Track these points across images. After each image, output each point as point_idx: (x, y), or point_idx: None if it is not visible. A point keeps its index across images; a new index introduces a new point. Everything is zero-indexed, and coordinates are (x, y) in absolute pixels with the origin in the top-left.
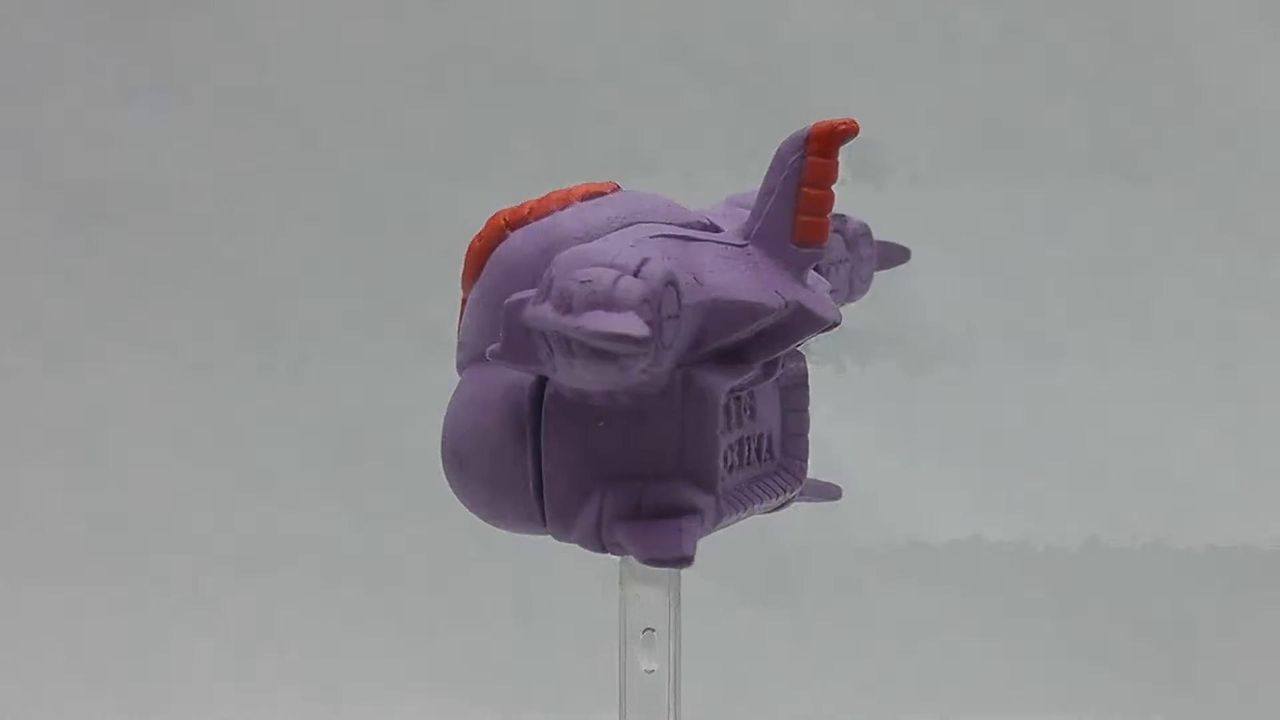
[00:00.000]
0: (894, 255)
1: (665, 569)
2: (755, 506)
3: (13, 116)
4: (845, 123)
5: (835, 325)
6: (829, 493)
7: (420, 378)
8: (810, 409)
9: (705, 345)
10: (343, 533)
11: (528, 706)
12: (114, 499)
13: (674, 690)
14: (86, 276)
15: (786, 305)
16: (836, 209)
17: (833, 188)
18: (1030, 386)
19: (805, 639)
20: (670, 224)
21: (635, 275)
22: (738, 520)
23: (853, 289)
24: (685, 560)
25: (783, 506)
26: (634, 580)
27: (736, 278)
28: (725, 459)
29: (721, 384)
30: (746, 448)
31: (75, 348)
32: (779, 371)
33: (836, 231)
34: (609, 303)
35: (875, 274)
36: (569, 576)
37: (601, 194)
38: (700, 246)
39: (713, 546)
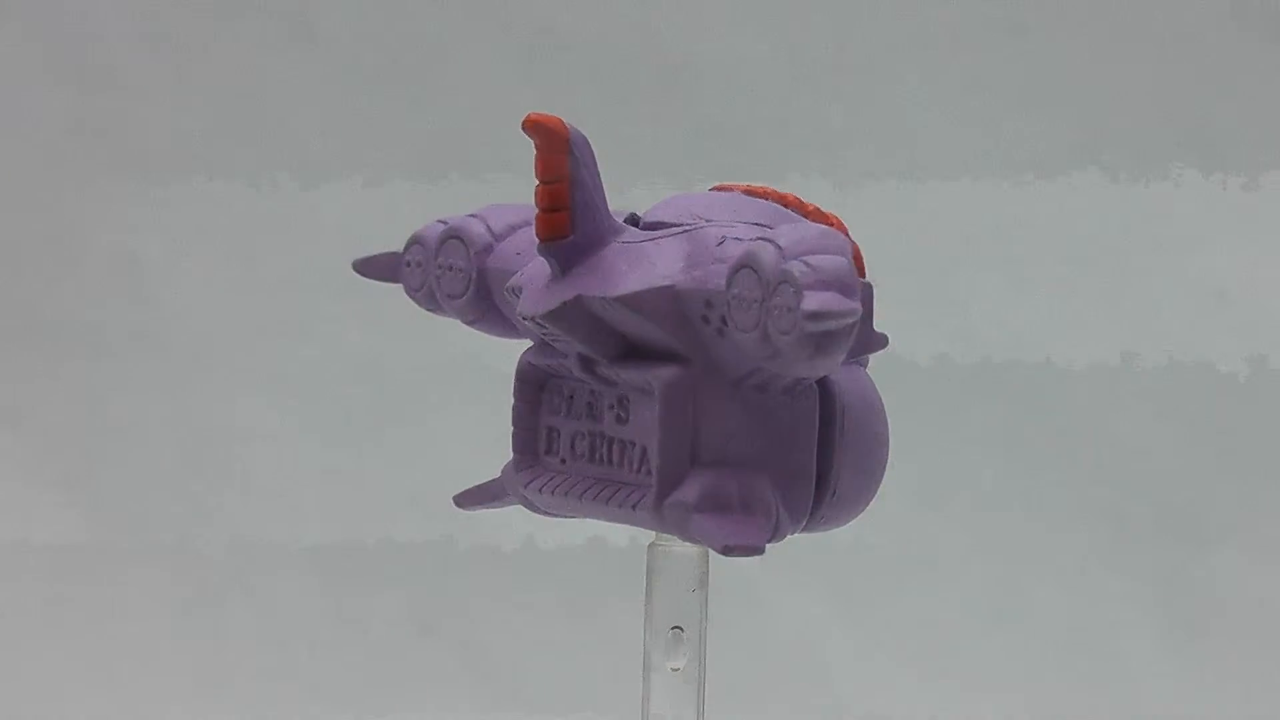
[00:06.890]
0: (867, 341)
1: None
2: (607, 511)
3: None
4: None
5: (531, 318)
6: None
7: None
8: (671, 430)
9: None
10: (353, 529)
11: (547, 703)
12: None
13: (699, 688)
14: None
15: (510, 289)
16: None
17: (551, 183)
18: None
19: (834, 636)
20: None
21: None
22: (579, 515)
23: (770, 338)
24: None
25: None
26: (661, 578)
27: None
28: (551, 445)
29: (525, 360)
30: (601, 446)
31: None
32: (583, 366)
33: (748, 268)
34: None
35: None
36: (593, 574)
37: (753, 193)
38: None
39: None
